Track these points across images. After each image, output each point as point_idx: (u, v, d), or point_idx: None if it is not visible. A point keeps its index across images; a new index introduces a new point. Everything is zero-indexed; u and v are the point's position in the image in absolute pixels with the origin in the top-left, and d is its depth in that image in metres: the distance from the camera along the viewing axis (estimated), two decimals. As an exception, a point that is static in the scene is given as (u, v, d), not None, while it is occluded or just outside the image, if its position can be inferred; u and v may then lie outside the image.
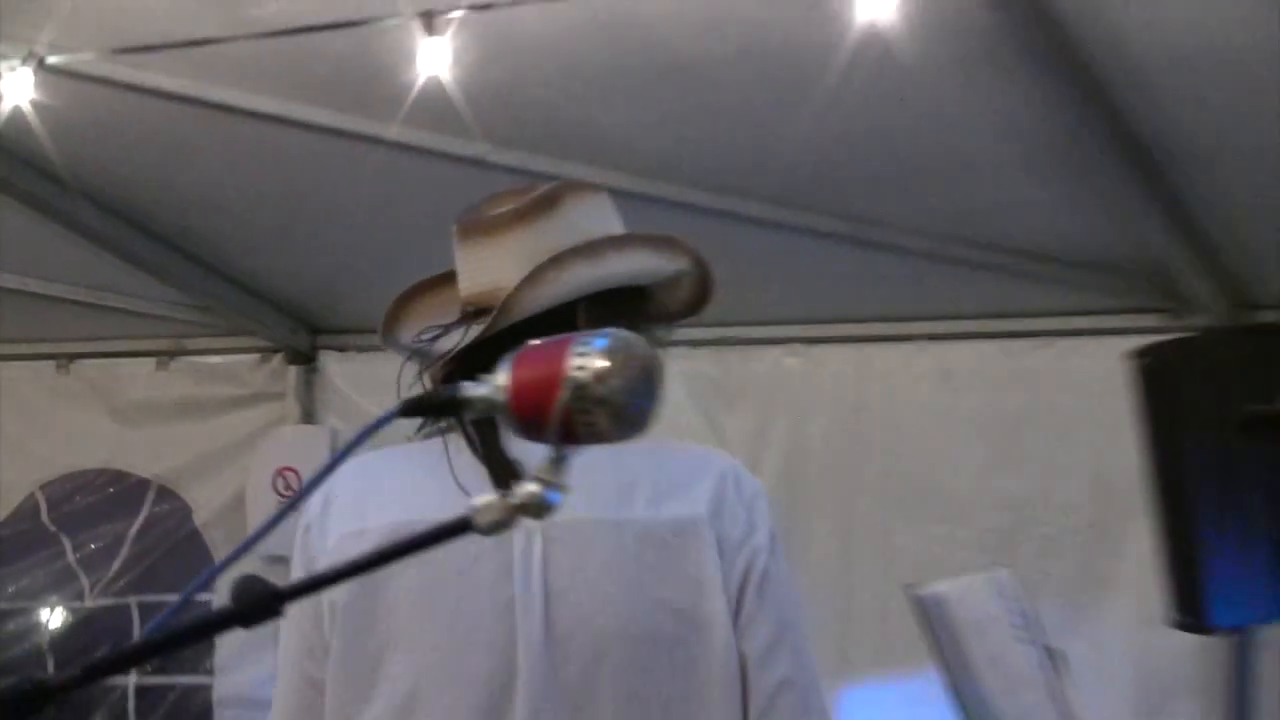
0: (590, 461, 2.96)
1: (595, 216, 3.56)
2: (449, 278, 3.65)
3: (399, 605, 3.27)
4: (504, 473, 3.19)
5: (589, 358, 2.38)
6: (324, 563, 3.32)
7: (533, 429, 2.42)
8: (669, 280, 3.61)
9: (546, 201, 3.47)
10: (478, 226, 3.52)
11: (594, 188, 3.72)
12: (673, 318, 3.70)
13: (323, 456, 8.64)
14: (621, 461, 3.26)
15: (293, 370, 8.97)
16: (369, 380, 8.73)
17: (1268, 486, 5.87)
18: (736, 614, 3.33)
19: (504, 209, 3.51)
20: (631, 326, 3.14)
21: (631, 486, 3.37)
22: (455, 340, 3.36)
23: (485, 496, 2.37)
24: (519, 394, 2.42)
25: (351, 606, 3.26)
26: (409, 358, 3.49)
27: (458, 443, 3.32)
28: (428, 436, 3.36)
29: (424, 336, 3.49)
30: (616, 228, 3.62)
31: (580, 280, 3.39)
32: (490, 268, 3.44)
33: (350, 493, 3.39)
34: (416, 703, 3.25)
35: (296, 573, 3.40)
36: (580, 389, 2.36)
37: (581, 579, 3.28)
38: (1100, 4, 5.99)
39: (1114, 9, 6.01)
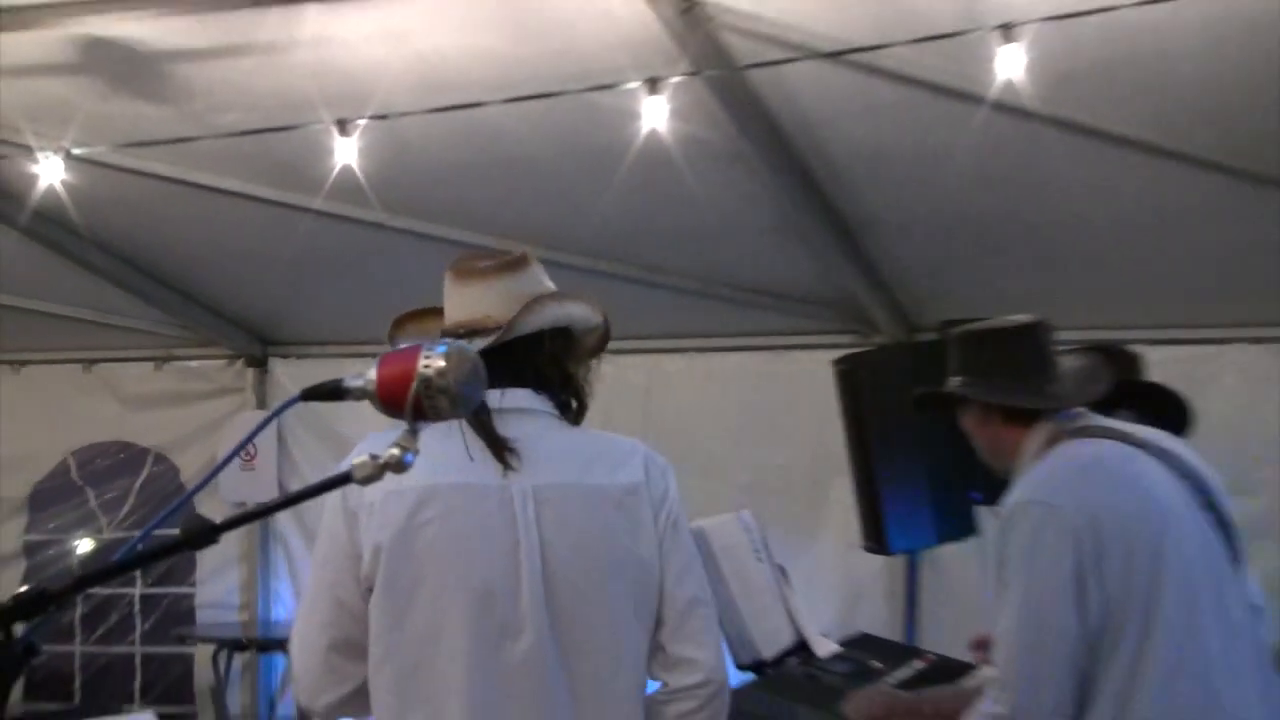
0: (560, 444, 3.38)
1: (543, 275, 3.60)
2: (427, 311, 3.66)
3: (430, 550, 3.22)
4: (497, 445, 3.29)
5: (433, 359, 2.46)
6: (364, 513, 3.25)
7: (393, 410, 2.48)
8: (589, 328, 3.64)
9: (518, 262, 3.50)
10: (472, 274, 3.51)
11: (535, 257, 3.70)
12: (587, 355, 3.71)
13: (270, 432, 8.69)
14: (581, 444, 3.46)
15: (250, 371, 8.97)
16: (305, 377, 8.57)
17: (923, 453, 5.94)
18: (659, 549, 3.39)
19: (489, 264, 3.51)
20: (572, 357, 3.57)
21: (592, 461, 3.42)
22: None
23: (360, 458, 2.45)
24: (383, 385, 2.48)
25: (393, 550, 3.19)
26: None
27: (465, 425, 3.29)
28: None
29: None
30: (551, 285, 3.64)
31: (553, 315, 3.46)
32: (480, 303, 3.45)
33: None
34: (442, 627, 3.22)
35: (335, 519, 3.31)
36: (427, 381, 2.44)
37: (564, 529, 3.30)
38: (811, 124, 6.16)
39: (821, 128, 6.18)
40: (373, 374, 2.51)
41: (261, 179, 6.94)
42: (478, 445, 3.30)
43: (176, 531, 2.39)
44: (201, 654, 8.77)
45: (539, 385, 3.44)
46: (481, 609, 3.22)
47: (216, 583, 9.00)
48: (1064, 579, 3.65)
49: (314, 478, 8.29)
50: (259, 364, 8.94)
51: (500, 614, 3.22)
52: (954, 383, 4.11)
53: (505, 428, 3.31)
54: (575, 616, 3.28)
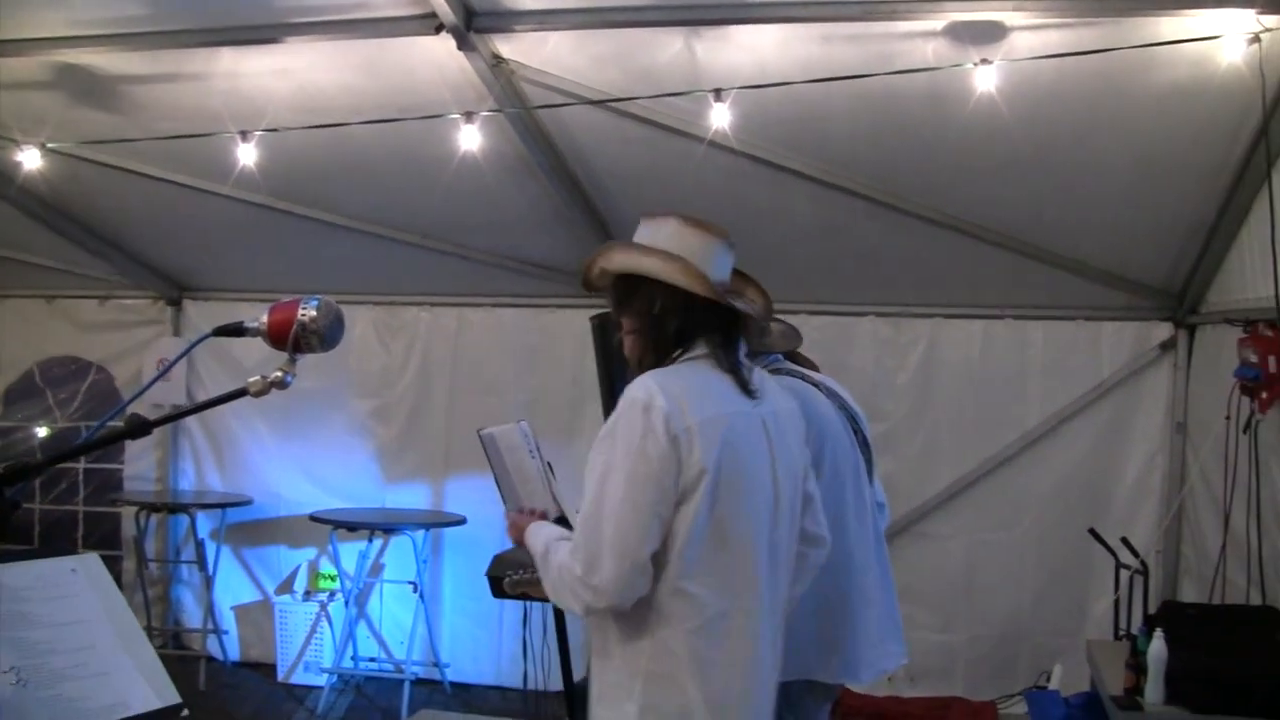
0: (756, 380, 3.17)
1: None
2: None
3: (740, 457, 2.96)
4: (747, 386, 3.07)
5: (308, 309, 2.51)
6: (685, 436, 2.86)
7: (279, 345, 2.52)
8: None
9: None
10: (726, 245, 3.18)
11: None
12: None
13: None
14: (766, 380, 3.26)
15: (169, 309, 8.74)
16: (209, 314, 8.60)
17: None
18: None
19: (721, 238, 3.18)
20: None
21: (772, 392, 3.24)
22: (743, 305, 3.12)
23: (254, 377, 2.50)
24: (273, 327, 2.52)
25: (720, 460, 2.90)
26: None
27: (713, 361, 3.07)
28: (686, 360, 3.07)
29: (737, 302, 3.11)
30: None
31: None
32: (725, 271, 3.17)
33: (682, 393, 2.90)
34: (750, 513, 3.01)
35: (654, 445, 2.85)
36: (303, 325, 2.49)
37: (781, 442, 3.14)
38: (580, 149, 6.25)
39: (587, 152, 6.27)
40: (265, 318, 2.53)
41: (185, 171, 6.83)
42: (731, 382, 3.07)
43: (118, 424, 2.45)
44: (127, 513, 8.61)
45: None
46: (764, 498, 3.08)
47: (139, 461, 8.81)
48: None
49: (212, 386, 8.24)
50: (175, 304, 8.74)
51: (769, 502, 3.09)
52: None
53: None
54: (793, 508, 3.21)
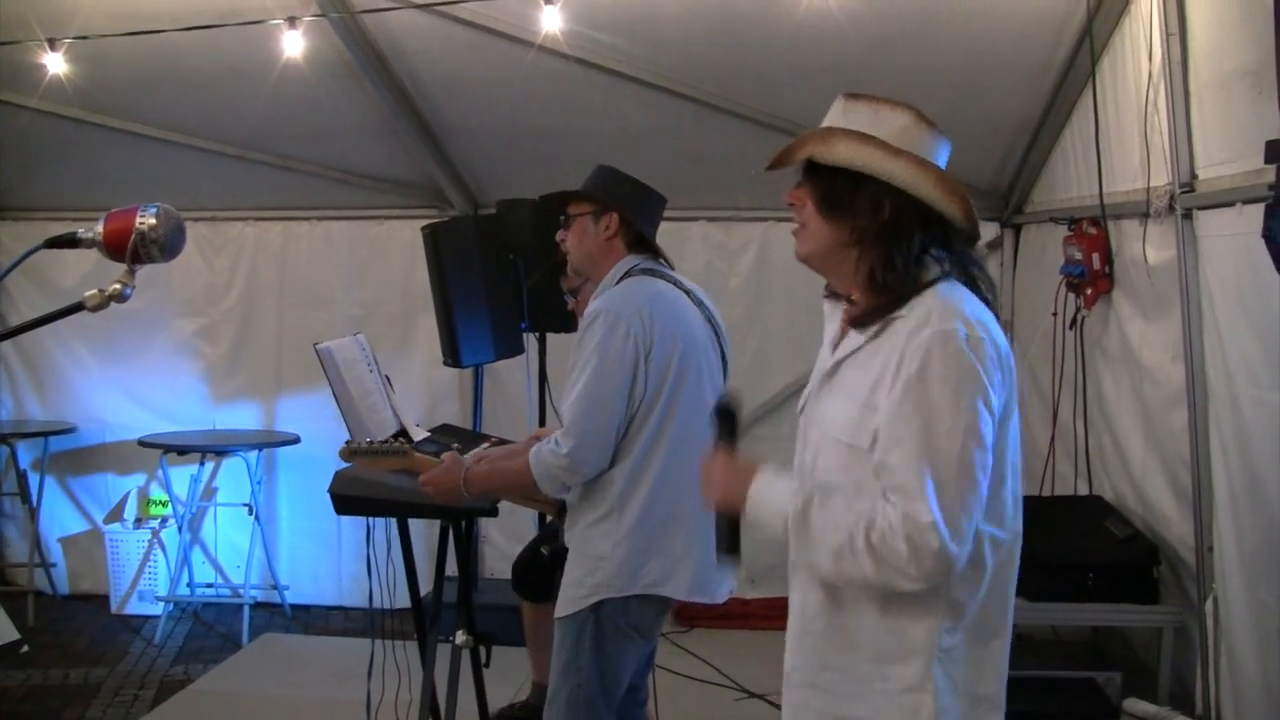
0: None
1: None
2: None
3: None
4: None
5: (147, 217, 2.37)
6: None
7: (117, 255, 2.38)
8: None
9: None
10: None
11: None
12: None
13: (-6, 276, 8.04)
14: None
15: (-23, 229, 8.29)
16: (18, 233, 8.15)
17: (485, 294, 5.98)
18: None
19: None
20: None
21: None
22: None
23: (91, 290, 2.35)
24: (109, 237, 2.38)
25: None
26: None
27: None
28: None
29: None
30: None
31: None
32: None
33: (987, 319, 2.36)
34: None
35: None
36: (142, 234, 2.35)
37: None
38: (407, 55, 6.14)
39: (413, 58, 6.16)
40: (100, 228, 2.39)
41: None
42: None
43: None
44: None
45: None
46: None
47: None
48: (623, 369, 3.73)
49: (26, 308, 7.83)
50: (-17, 225, 8.33)
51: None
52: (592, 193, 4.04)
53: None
54: None
